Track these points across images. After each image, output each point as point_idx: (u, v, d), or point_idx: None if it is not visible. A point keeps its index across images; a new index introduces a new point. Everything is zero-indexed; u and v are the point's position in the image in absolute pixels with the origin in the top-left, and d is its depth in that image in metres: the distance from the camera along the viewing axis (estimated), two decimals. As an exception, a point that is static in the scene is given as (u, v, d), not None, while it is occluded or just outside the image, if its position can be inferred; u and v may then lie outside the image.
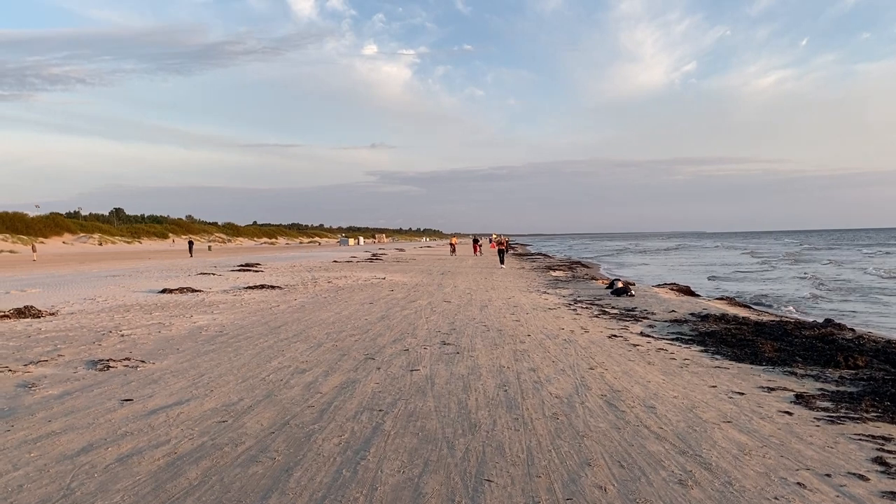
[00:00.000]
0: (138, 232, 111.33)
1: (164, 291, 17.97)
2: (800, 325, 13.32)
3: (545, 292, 20.46)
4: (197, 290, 18.44)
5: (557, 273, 31.81)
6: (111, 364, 8.21)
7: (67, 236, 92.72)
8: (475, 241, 62.17)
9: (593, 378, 8.00)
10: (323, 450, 5.17)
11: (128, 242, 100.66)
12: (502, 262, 38.61)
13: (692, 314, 15.13)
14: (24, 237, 79.59)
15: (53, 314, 13.02)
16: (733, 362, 9.46)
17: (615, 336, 11.54)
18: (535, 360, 9.08)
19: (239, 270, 28.75)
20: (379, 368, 8.32)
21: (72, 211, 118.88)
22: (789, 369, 8.95)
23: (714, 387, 7.78)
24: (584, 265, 44.12)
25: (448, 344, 10.25)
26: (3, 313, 12.44)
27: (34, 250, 53.02)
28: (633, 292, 19.25)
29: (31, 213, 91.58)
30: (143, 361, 8.54)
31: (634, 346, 10.55)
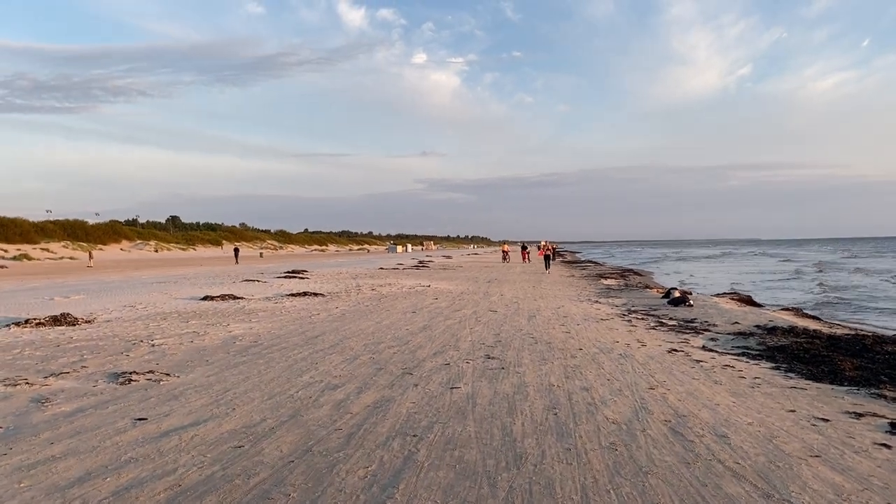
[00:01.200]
0: (193, 239, 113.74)
1: (205, 298, 17.71)
2: (879, 339, 12.14)
3: (597, 301, 19.52)
4: (238, 298, 18.13)
5: (609, 281, 30.69)
6: (133, 377, 7.75)
7: (125, 243, 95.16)
8: (523, 248, 61.43)
9: (654, 400, 7.17)
10: (345, 485, 4.52)
11: (182, 249, 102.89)
12: (547, 267, 41.05)
13: (757, 326, 14.04)
14: (84, 244, 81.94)
15: (89, 322, 12.78)
16: (810, 382, 8.48)
17: (675, 350, 10.62)
18: (588, 377, 8.28)
19: (285, 277, 28.55)
20: (416, 385, 7.66)
21: (130, 219, 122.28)
22: (876, 391, 7.93)
23: (793, 411, 6.86)
24: (636, 273, 42.73)
25: (492, 358, 9.53)
26: (38, 321, 12.24)
27: (90, 257, 54.31)
28: (691, 302, 18.16)
29: (91, 221, 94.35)
30: (167, 374, 8.06)
31: (697, 362, 9.64)
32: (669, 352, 10.48)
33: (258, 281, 25.60)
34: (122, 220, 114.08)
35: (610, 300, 20.14)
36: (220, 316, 14.24)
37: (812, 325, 15.12)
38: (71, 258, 70.47)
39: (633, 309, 17.46)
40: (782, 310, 18.55)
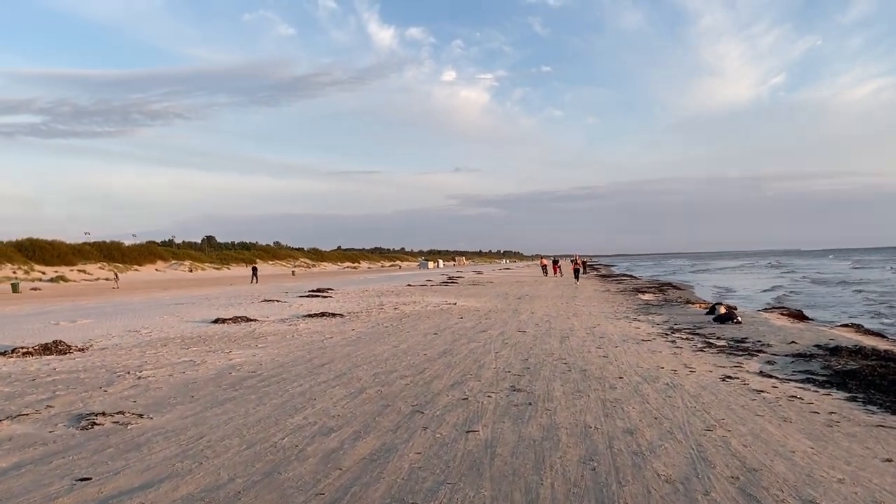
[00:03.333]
0: (227, 258, 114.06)
1: (216, 321, 16.74)
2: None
3: (635, 319, 18.10)
4: (252, 320, 17.13)
5: (647, 296, 29.15)
6: (98, 420, 6.68)
7: (160, 263, 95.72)
8: (555, 262, 61.25)
9: (714, 446, 5.86)
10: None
11: (217, 269, 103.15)
12: (577, 279, 45.13)
13: (817, 346, 12.58)
14: (120, 265, 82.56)
15: (82, 350, 11.82)
16: (898, 417, 7.08)
17: (729, 378, 9.26)
18: (631, 415, 6.99)
19: (307, 297, 27.60)
20: (426, 428, 6.45)
21: (167, 239, 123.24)
22: (984, 430, 6.53)
23: (890, 461, 5.51)
24: (676, 287, 40.97)
25: (519, 390, 8.27)
26: (26, 350, 11.32)
27: (116, 278, 54.34)
28: (739, 319, 16.67)
29: (128, 242, 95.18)
30: (140, 416, 6.98)
31: (758, 392, 8.27)
32: (723, 379, 9.12)
33: (278, 301, 24.65)
34: (159, 241, 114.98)
35: (650, 317, 18.70)
36: (225, 341, 13.21)
37: (880, 343, 13.54)
38: (106, 279, 70.76)
39: (675, 327, 16.03)
40: (841, 326, 16.93)
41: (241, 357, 11.06)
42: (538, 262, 67.98)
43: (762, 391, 8.32)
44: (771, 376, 9.52)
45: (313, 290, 31.55)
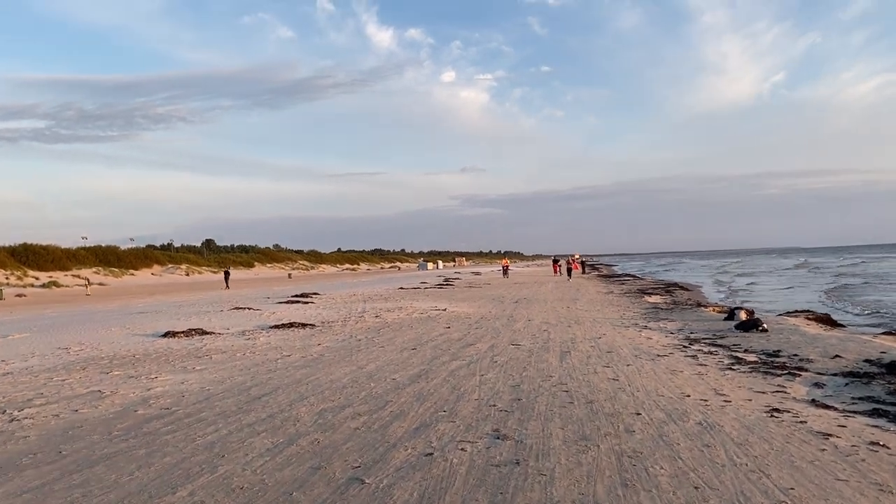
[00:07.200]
0: (225, 262, 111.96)
1: (166, 335, 14.61)
2: None
3: (645, 327, 15.97)
4: (207, 332, 14.96)
5: (654, 298, 26.97)
6: None
7: (157, 268, 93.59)
8: (555, 261, 62.67)
9: (796, 549, 3.77)
10: None
11: (214, 272, 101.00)
12: (569, 276, 50.13)
13: (868, 361, 10.56)
14: (116, 269, 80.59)
15: (-25, 377, 9.76)
16: None
17: (777, 411, 7.16)
18: (659, 482, 4.88)
19: (286, 302, 25.44)
20: (359, 514, 4.35)
21: (166, 243, 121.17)
22: None
23: None
24: (682, 287, 38.78)
25: (504, 437, 6.15)
26: None
27: (88, 285, 52.47)
28: (765, 326, 14.56)
29: (124, 247, 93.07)
30: (-45, 492, 4.91)
31: (824, 436, 6.15)
32: (770, 414, 7.02)
33: (249, 308, 22.50)
34: (158, 245, 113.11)
35: (661, 324, 16.57)
36: (159, 361, 11.08)
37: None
38: (101, 284, 68.99)
39: (692, 336, 13.92)
40: (884, 334, 14.78)
41: (166, 385, 8.94)
42: (501, 262, 66.96)
43: (828, 434, 6.21)
44: (828, 406, 7.44)
45: (295, 295, 29.40)
